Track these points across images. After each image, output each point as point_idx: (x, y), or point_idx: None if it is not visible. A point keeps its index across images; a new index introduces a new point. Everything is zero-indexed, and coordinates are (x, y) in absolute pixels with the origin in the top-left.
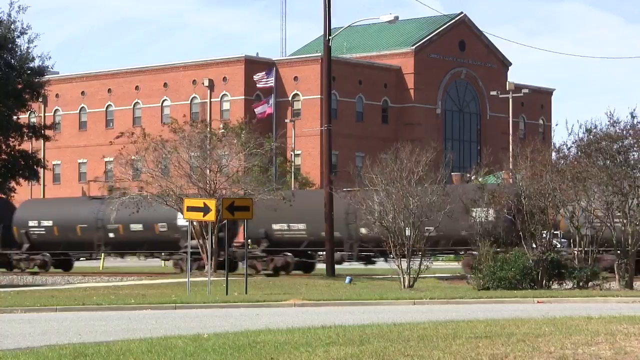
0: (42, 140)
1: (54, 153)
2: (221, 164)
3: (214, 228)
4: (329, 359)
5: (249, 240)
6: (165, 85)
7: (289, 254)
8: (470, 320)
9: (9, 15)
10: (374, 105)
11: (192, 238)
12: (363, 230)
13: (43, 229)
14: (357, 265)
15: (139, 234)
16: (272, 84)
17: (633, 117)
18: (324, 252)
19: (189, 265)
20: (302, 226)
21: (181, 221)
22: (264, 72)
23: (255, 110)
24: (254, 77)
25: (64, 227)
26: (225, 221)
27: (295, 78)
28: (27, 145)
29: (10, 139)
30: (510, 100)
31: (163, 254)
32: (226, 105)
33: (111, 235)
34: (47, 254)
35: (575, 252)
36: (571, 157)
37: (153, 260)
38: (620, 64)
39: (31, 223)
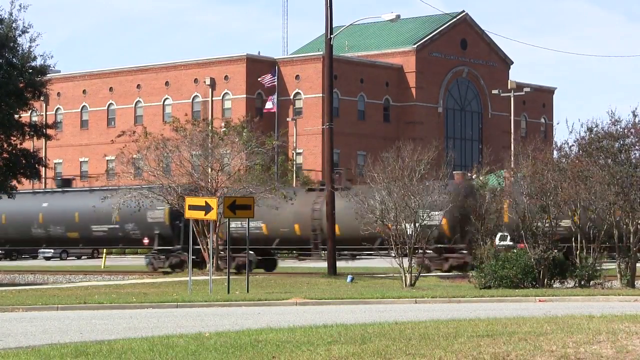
0: (43, 139)
1: (55, 152)
2: (223, 163)
3: (216, 227)
4: (331, 358)
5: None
6: (166, 83)
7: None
8: (472, 319)
9: (10, 13)
10: (376, 103)
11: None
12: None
13: None
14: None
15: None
16: (275, 83)
17: (635, 115)
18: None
19: (190, 265)
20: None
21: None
22: (269, 74)
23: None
24: (259, 79)
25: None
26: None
27: (297, 76)
28: (28, 144)
29: (11, 137)
30: (512, 98)
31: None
32: (228, 104)
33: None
34: None
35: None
36: (572, 155)
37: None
38: (622, 62)
39: None
